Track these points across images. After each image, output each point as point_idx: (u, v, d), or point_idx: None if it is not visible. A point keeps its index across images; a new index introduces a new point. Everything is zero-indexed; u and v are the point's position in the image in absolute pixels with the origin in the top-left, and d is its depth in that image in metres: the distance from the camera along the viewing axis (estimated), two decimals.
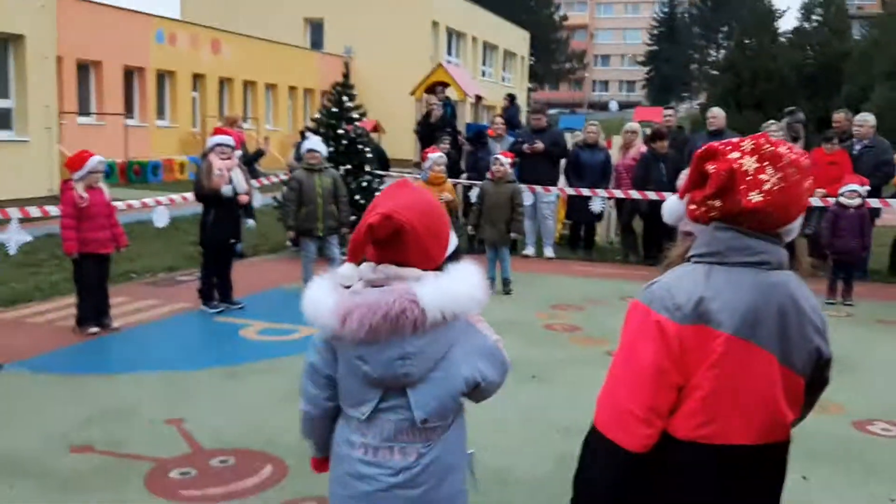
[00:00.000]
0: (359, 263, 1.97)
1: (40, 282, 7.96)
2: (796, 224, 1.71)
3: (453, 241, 2.04)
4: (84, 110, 21.26)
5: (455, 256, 2.04)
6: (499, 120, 11.46)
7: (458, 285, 1.95)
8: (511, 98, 14.98)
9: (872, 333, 6.88)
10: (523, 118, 17.25)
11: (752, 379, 1.63)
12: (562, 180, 10.88)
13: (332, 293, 1.95)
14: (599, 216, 10.65)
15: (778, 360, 1.65)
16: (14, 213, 6.59)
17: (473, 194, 10.06)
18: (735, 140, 1.69)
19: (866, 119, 9.37)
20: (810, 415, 4.98)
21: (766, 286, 1.64)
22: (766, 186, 1.62)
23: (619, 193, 10.02)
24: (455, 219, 10.32)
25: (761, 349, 1.63)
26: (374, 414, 1.95)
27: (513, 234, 8.43)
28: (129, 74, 22.95)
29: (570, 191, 10.36)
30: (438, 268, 1.97)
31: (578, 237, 11.03)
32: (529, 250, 10.68)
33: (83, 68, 21.23)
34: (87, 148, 6.60)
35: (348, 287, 1.96)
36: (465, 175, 10.92)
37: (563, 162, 10.81)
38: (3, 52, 14.48)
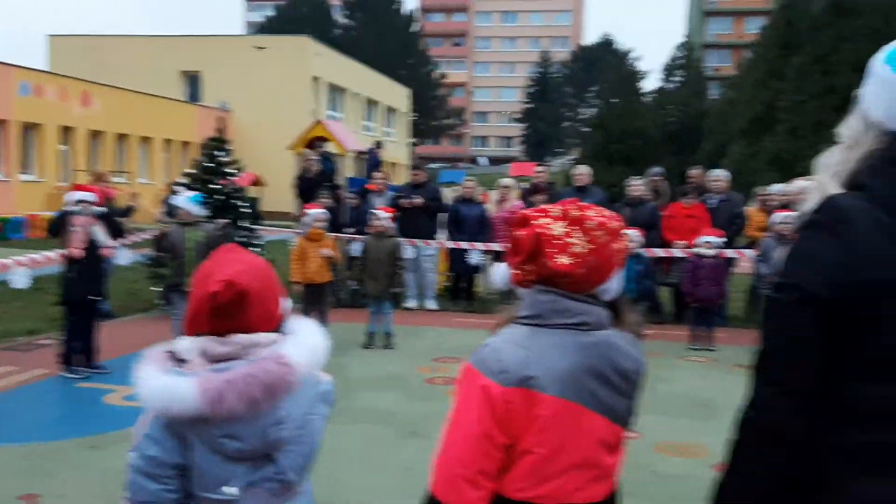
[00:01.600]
0: (195, 336, 1.89)
1: None
2: (612, 283, 1.78)
3: (286, 300, 2.03)
4: None
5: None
6: (379, 174, 11.58)
7: (314, 340, 1.95)
8: (377, 144, 15.18)
9: (733, 377, 7.26)
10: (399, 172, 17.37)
11: (579, 438, 1.70)
12: (444, 233, 11.07)
13: (183, 376, 1.82)
14: (479, 268, 10.86)
15: (601, 417, 1.72)
16: None
17: (355, 248, 10.08)
18: (547, 206, 1.79)
19: (721, 175, 10.08)
20: (675, 459, 5.18)
21: (586, 346, 1.71)
22: (575, 249, 1.70)
23: (496, 246, 10.27)
24: (337, 273, 10.27)
25: (584, 408, 1.70)
26: (244, 488, 1.89)
27: (395, 289, 8.47)
28: None
29: (450, 244, 10.53)
30: (277, 326, 1.96)
31: (459, 289, 11.19)
32: (412, 303, 10.75)
33: None
34: None
35: (182, 362, 1.85)
36: (352, 230, 10.92)
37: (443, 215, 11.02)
38: None
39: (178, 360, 1.86)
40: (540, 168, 11.85)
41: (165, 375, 1.81)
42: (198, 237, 7.37)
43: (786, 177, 22.14)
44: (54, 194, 23.22)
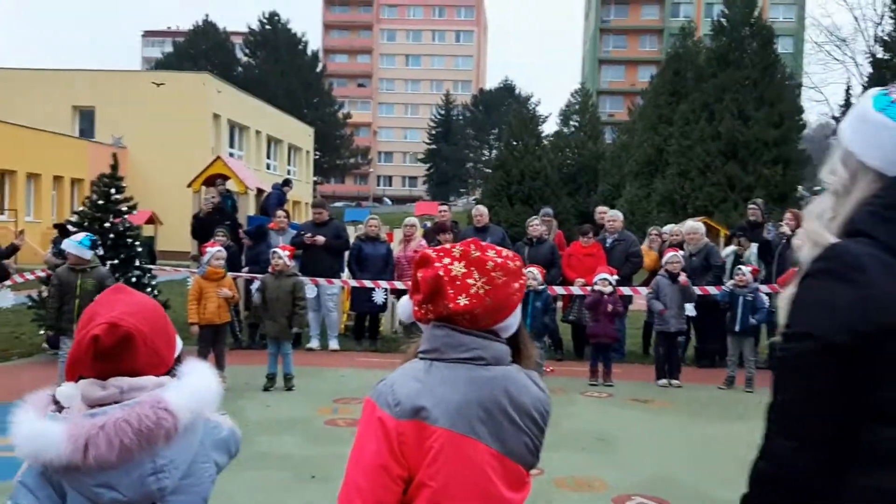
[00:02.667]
0: (76, 381, 1.82)
1: None
2: (511, 321, 1.82)
3: (179, 342, 1.98)
4: None
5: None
6: (280, 213, 11.42)
7: (201, 384, 1.90)
8: (286, 182, 15.01)
9: (629, 411, 7.47)
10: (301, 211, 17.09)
11: (472, 472, 1.72)
12: (346, 272, 10.98)
13: (54, 421, 1.73)
14: (383, 307, 10.82)
15: (496, 451, 1.74)
16: None
17: (255, 288, 9.86)
18: (448, 247, 1.83)
19: (616, 216, 10.46)
20: (575, 493, 5.25)
21: (480, 381, 1.74)
22: (473, 290, 1.74)
23: (400, 285, 10.26)
24: (236, 314, 10.01)
25: (477, 442, 1.72)
26: None
27: (295, 329, 8.32)
28: None
29: (353, 283, 10.46)
30: (169, 370, 1.90)
31: (363, 328, 11.09)
32: (314, 343, 10.56)
33: None
34: None
35: (60, 410, 1.77)
36: (245, 269, 10.70)
37: (346, 254, 10.95)
38: None
39: (60, 406, 1.79)
40: (443, 208, 11.98)
41: (38, 421, 1.73)
42: (88, 284, 7.00)
43: (676, 216, 23.22)
44: None
